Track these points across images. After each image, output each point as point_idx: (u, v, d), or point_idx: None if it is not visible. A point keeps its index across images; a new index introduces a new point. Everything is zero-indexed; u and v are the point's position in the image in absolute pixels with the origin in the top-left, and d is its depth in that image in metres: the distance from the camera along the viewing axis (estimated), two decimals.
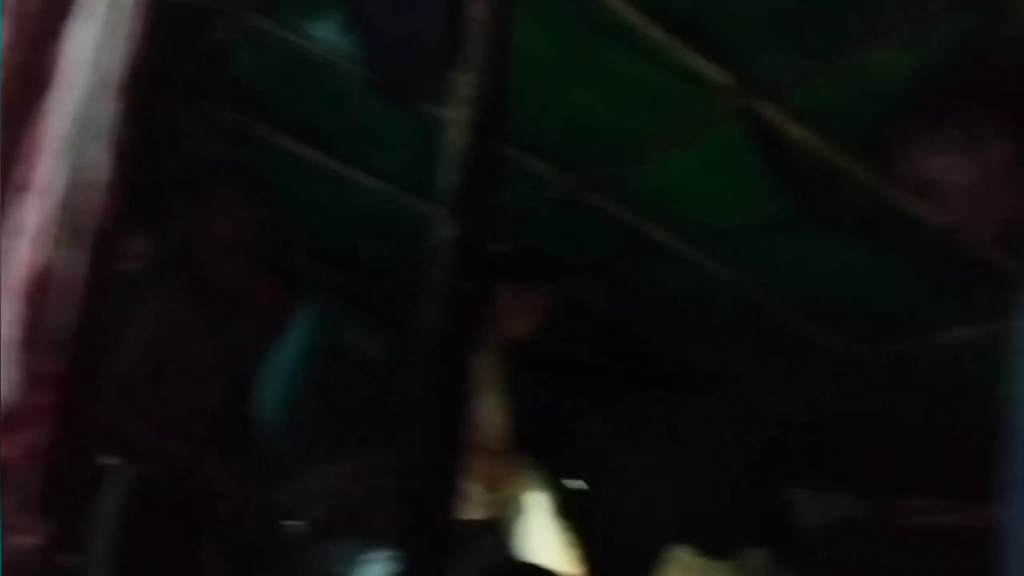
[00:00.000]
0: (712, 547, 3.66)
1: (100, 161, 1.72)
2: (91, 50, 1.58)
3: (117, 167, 1.68)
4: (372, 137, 3.10)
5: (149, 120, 1.73)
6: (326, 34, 2.69)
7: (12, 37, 1.52)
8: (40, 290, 1.89)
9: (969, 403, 2.82)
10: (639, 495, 4.10)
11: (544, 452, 3.62)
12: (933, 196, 1.70)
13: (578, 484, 4.31)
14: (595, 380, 4.40)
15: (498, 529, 3.24)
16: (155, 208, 2.62)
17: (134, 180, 1.68)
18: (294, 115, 3.18)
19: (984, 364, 2.16)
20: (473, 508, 2.97)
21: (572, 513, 3.56)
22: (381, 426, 3.68)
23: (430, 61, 1.36)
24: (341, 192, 3.41)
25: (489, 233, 1.26)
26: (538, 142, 2.93)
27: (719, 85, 2.53)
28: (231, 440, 2.57)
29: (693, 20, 2.38)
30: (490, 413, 3.16)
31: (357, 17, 1.46)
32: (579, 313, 3.80)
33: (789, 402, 4.19)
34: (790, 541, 3.36)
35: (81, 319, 1.82)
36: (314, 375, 3.77)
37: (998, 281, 2.05)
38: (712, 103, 2.60)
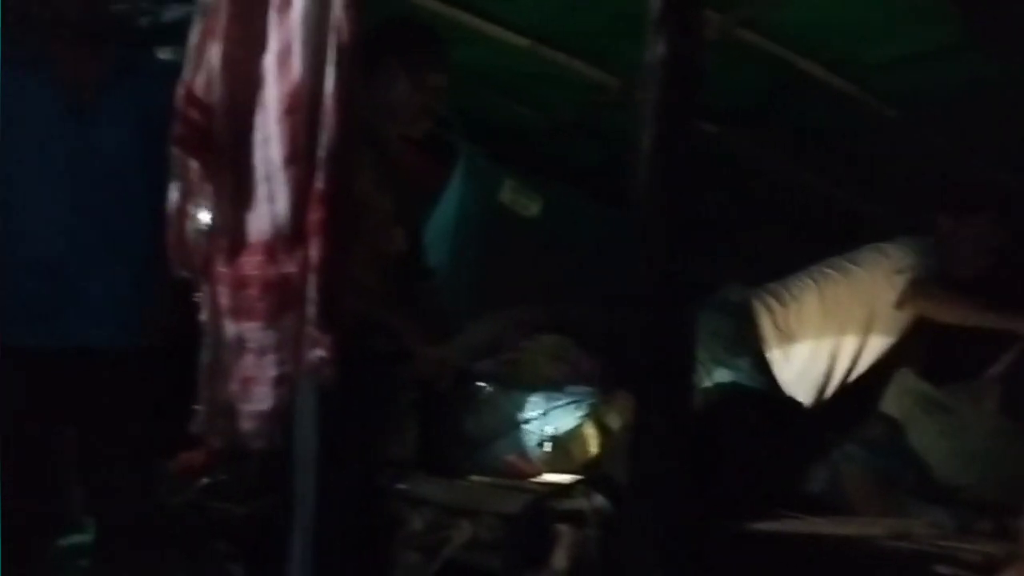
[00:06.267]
0: None
1: None
2: None
3: None
4: None
5: None
6: None
7: None
8: (297, 109, 1.89)
9: None
10: None
11: None
12: None
13: None
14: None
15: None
16: None
17: None
18: None
19: None
20: None
21: None
22: (535, 281, 3.70)
23: None
24: (478, 50, 3.29)
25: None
26: None
27: None
28: (406, 295, 2.55)
29: None
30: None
31: None
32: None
33: None
34: None
35: (338, 135, 1.83)
36: (470, 232, 3.77)
37: None
38: None
